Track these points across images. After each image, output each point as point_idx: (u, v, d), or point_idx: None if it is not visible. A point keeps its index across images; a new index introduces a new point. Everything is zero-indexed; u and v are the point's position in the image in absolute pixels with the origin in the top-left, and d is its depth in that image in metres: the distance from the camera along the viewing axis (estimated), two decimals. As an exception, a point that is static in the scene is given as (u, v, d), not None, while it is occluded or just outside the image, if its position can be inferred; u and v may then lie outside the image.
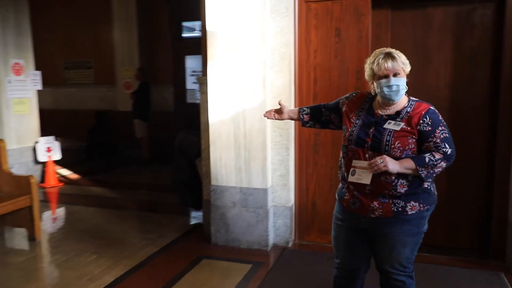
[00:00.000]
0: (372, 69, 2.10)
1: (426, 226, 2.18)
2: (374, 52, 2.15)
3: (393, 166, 1.98)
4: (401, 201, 2.07)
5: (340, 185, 2.31)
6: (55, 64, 10.05)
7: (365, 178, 2.06)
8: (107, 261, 3.60)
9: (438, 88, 3.66)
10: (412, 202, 2.08)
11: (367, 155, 2.09)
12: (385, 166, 1.96)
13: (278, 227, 3.94)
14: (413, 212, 2.08)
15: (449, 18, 3.56)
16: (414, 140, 2.05)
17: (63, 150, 10.03)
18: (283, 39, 3.74)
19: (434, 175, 2.07)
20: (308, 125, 2.51)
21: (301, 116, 2.49)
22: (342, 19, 3.69)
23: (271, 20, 3.72)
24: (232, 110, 3.77)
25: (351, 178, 2.12)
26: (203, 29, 3.85)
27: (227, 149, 3.84)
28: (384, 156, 2.00)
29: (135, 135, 8.03)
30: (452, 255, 3.67)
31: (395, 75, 2.06)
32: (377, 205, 2.09)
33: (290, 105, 3.79)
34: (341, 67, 3.74)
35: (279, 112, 2.50)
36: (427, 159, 2.00)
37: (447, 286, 3.18)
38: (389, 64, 2.05)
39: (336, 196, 2.34)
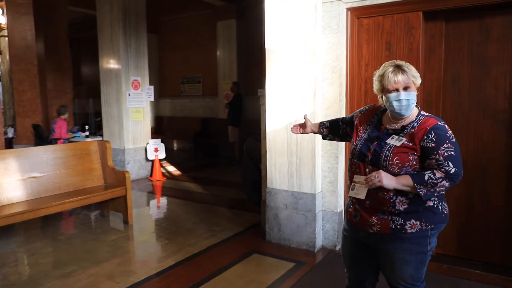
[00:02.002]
0: (381, 82, 1.87)
1: (433, 245, 1.87)
2: (383, 64, 1.91)
3: (388, 182, 1.73)
4: (400, 219, 1.81)
5: (349, 199, 2.10)
6: (174, 80, 10.98)
7: (361, 193, 1.85)
8: (174, 247, 3.80)
9: (497, 100, 3.13)
10: (412, 220, 1.80)
11: (367, 170, 1.86)
12: (379, 181, 1.73)
13: (326, 230, 3.74)
14: (413, 230, 1.80)
15: (509, 28, 3.01)
16: (415, 157, 1.77)
17: (178, 150, 10.95)
18: (334, 54, 3.55)
19: (436, 194, 1.76)
20: (328, 138, 2.35)
21: (321, 129, 2.34)
22: (393, 32, 3.37)
23: (323, 37, 3.56)
24: (286, 120, 3.70)
25: (350, 193, 1.92)
26: (263, 48, 3.84)
27: (281, 156, 3.77)
28: (380, 171, 1.76)
29: (229, 139, 8.35)
30: (508, 275, 3.09)
31: (405, 88, 1.80)
32: (376, 221, 1.85)
33: (340, 115, 3.57)
34: (391, 79, 3.41)
35: (303, 126, 2.37)
36: (426, 177, 1.71)
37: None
38: (399, 77, 1.80)
39: (344, 208, 2.14)
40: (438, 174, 1.71)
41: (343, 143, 3.68)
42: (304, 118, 2.37)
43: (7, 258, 3.63)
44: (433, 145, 1.73)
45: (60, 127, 6.20)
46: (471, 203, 3.31)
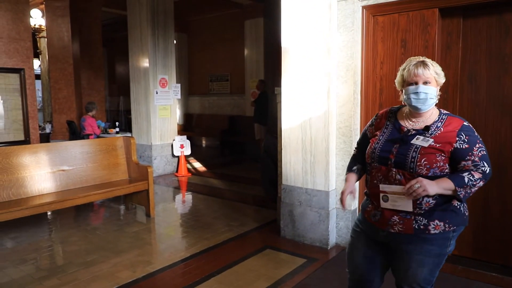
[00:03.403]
0: (402, 75, 1.87)
1: (451, 248, 1.85)
2: (408, 58, 1.90)
3: (432, 188, 1.68)
4: (424, 219, 1.78)
5: (365, 197, 2.07)
6: (203, 78, 11.25)
7: (404, 205, 1.77)
8: (191, 240, 3.96)
9: (516, 99, 3.05)
10: (436, 221, 1.78)
11: (391, 173, 1.81)
12: (424, 190, 1.66)
13: (340, 228, 3.78)
14: (436, 231, 1.78)
15: (528, 22, 2.93)
16: (443, 157, 1.76)
17: (206, 147, 11.20)
18: (349, 52, 3.57)
19: (471, 195, 1.75)
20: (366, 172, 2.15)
21: (357, 172, 2.11)
22: (408, 30, 3.35)
23: (337, 35, 3.59)
24: (300, 118, 3.76)
25: (384, 205, 1.83)
26: (280, 47, 3.91)
27: (295, 153, 3.84)
28: (420, 179, 1.69)
29: (255, 136, 8.47)
30: (525, 281, 3.02)
31: (425, 83, 1.80)
32: (398, 220, 1.81)
33: (354, 114, 3.61)
34: (407, 77, 3.39)
35: (352, 192, 2.05)
36: (466, 179, 1.70)
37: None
38: (420, 70, 1.80)
39: (360, 207, 2.10)
40: (477, 175, 1.72)
41: (356, 141, 3.69)
42: (351, 192, 2.04)
43: (38, 245, 3.92)
44: (466, 146, 1.74)
45: (90, 124, 6.55)
46: (488, 203, 3.25)
